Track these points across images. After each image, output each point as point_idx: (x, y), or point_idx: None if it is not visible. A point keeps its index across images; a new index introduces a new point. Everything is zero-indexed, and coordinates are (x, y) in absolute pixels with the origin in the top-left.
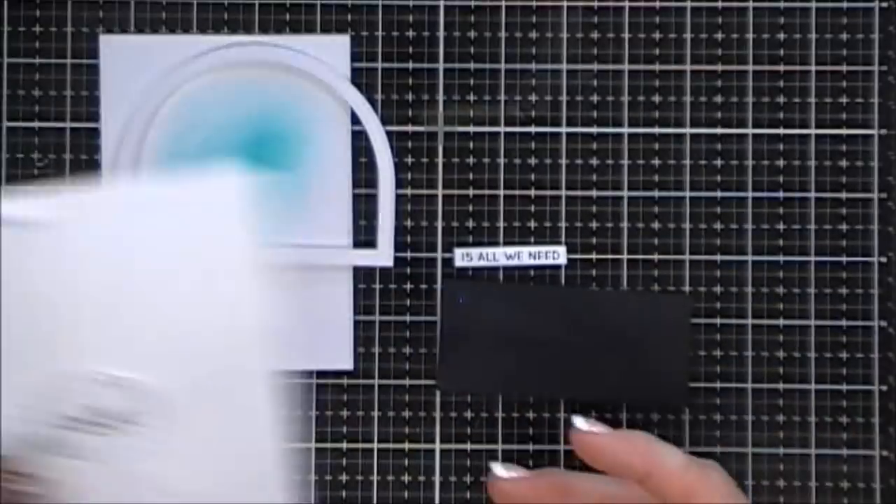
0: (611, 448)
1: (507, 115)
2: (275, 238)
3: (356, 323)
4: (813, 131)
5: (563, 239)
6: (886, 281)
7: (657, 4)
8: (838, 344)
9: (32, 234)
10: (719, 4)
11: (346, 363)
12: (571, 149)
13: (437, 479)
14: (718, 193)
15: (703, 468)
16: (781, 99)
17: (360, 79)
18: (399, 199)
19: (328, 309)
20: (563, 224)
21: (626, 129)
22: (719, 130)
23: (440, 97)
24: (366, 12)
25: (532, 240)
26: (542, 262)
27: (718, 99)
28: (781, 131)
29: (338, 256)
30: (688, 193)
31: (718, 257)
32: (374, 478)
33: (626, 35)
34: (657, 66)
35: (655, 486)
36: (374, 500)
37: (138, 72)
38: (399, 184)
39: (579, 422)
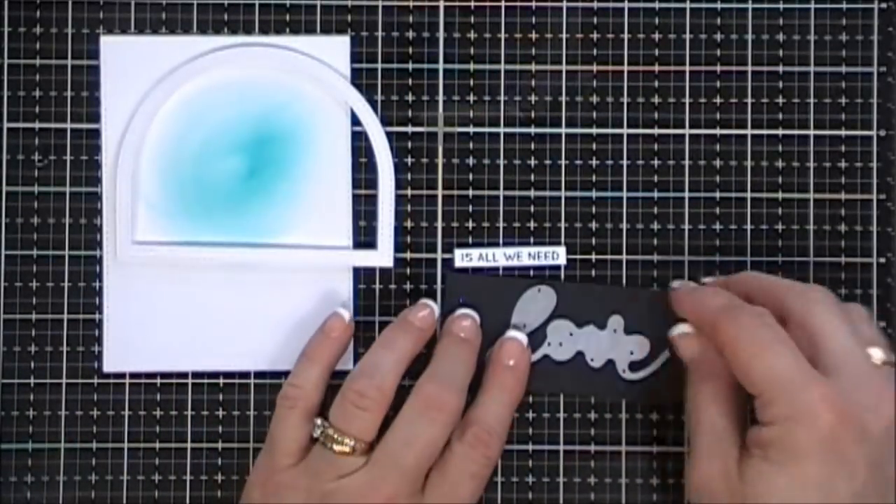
0: (686, 299)
1: (507, 115)
2: (275, 239)
3: (356, 323)
4: (812, 132)
5: (562, 239)
6: (885, 282)
7: (657, 5)
8: None
9: None
10: (719, 5)
11: (347, 363)
12: (571, 149)
13: None
14: (718, 194)
15: (732, 310)
16: (781, 100)
17: (360, 79)
18: (399, 199)
19: (328, 309)
20: (562, 224)
21: (625, 130)
22: (719, 131)
23: (440, 97)
24: (366, 12)
25: (532, 240)
26: (542, 262)
27: (718, 100)
28: (781, 132)
29: (338, 257)
30: (687, 194)
31: (718, 258)
32: None
33: (626, 36)
34: (657, 67)
35: (698, 322)
36: None
37: (138, 72)
38: (399, 184)
39: (674, 283)
